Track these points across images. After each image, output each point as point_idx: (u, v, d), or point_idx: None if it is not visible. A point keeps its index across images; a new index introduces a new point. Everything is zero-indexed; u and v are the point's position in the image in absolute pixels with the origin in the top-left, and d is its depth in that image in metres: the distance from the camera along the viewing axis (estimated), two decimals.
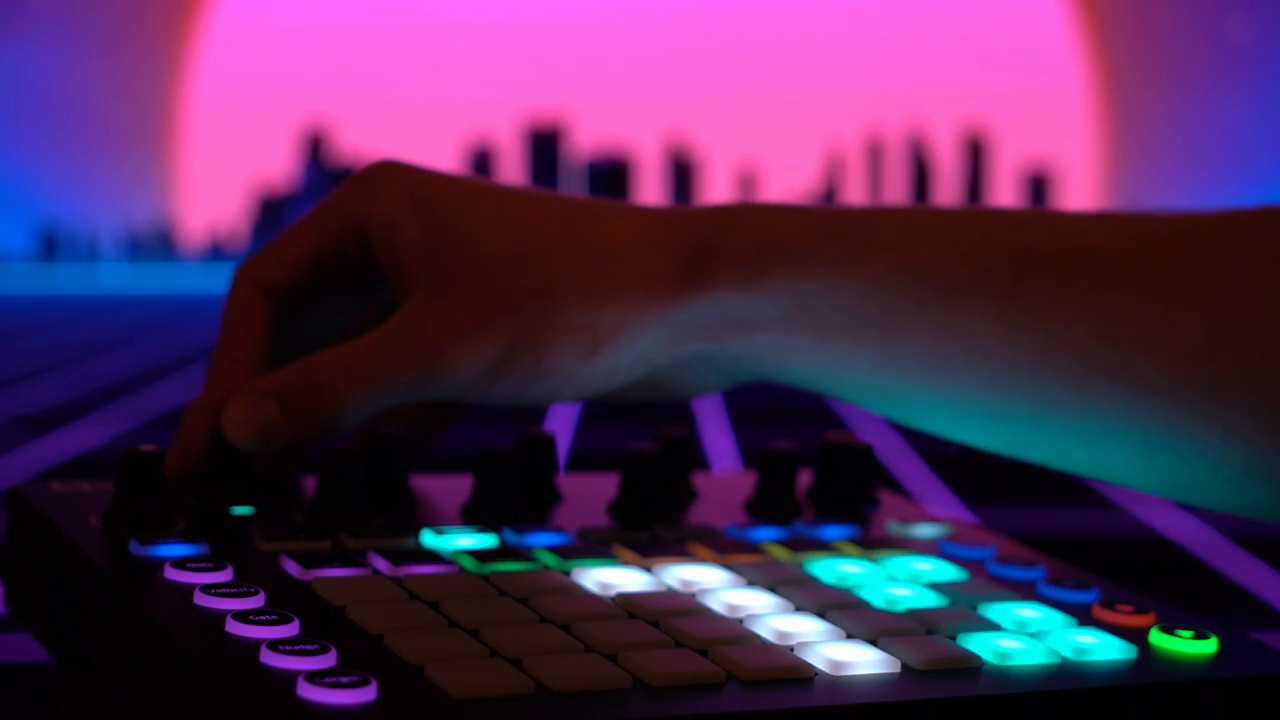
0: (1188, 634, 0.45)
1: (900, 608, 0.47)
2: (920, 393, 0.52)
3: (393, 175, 0.54)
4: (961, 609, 0.47)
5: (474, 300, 0.52)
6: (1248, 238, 0.50)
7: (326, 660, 0.40)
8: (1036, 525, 1.12)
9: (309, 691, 0.38)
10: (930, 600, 0.48)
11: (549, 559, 0.49)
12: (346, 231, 0.55)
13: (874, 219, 0.53)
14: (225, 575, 0.45)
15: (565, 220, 0.53)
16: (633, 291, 0.52)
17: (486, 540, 0.50)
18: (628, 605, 0.45)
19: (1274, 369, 0.49)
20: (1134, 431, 0.51)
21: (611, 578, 0.47)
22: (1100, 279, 0.51)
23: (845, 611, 0.46)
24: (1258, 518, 0.52)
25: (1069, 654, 0.44)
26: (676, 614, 0.45)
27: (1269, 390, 0.49)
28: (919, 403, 0.53)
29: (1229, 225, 0.51)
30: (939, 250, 0.52)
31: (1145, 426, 0.50)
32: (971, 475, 1.34)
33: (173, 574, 0.45)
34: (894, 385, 0.53)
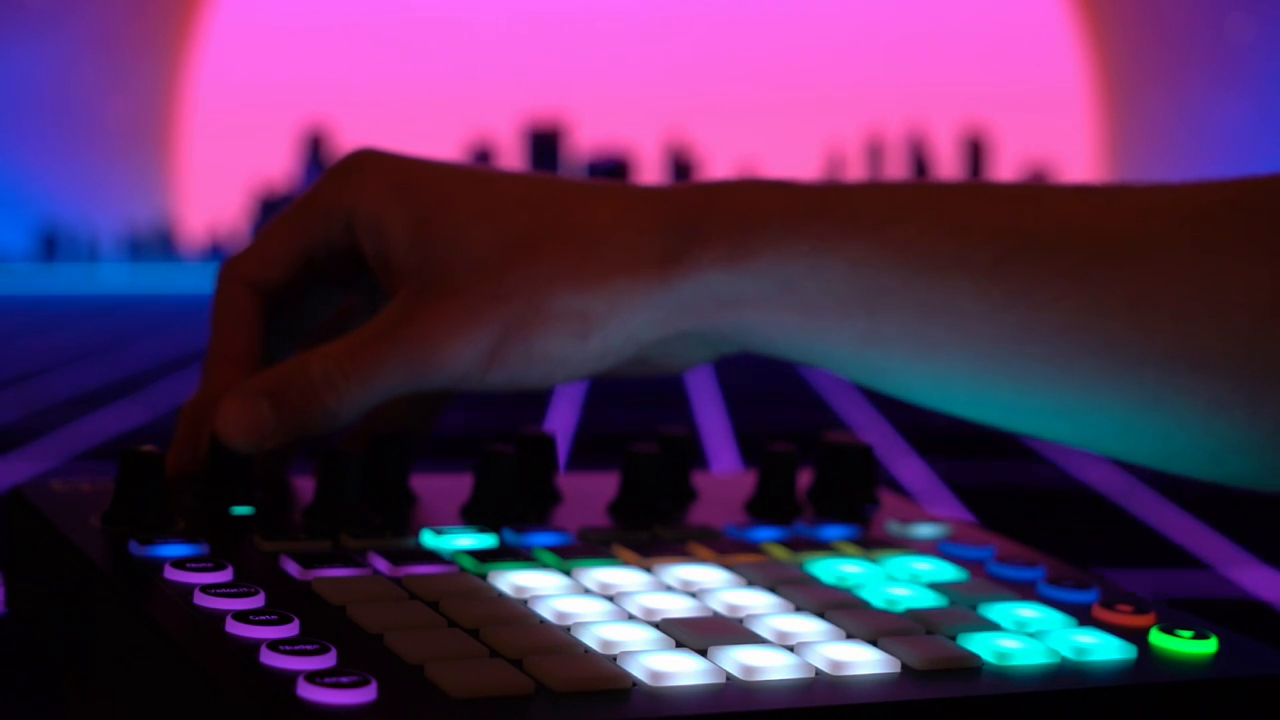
0: (1188, 634, 0.45)
1: (900, 608, 0.47)
2: (906, 367, 0.53)
3: (375, 166, 0.54)
4: (961, 609, 0.47)
5: (464, 293, 0.52)
6: (1228, 215, 0.51)
7: (326, 660, 0.40)
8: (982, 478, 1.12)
9: (309, 691, 0.38)
10: (930, 600, 0.48)
11: (549, 559, 0.49)
12: (332, 225, 0.55)
13: (858, 196, 0.53)
14: (225, 575, 0.45)
15: (551, 206, 0.53)
16: (620, 276, 0.52)
17: (486, 540, 0.50)
18: (626, 606, 0.45)
19: (1254, 343, 0.49)
20: (1117, 405, 0.51)
21: (611, 578, 0.47)
22: (1083, 255, 0.51)
23: (845, 611, 0.45)
24: (1241, 486, 0.53)
25: (1069, 654, 0.44)
26: (676, 614, 0.45)
27: (1250, 363, 0.49)
28: (904, 376, 0.53)
29: (1210, 201, 0.51)
30: (922, 228, 0.52)
31: (1128, 400, 0.51)
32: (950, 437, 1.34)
33: (173, 574, 0.45)
34: (880, 360, 0.53)
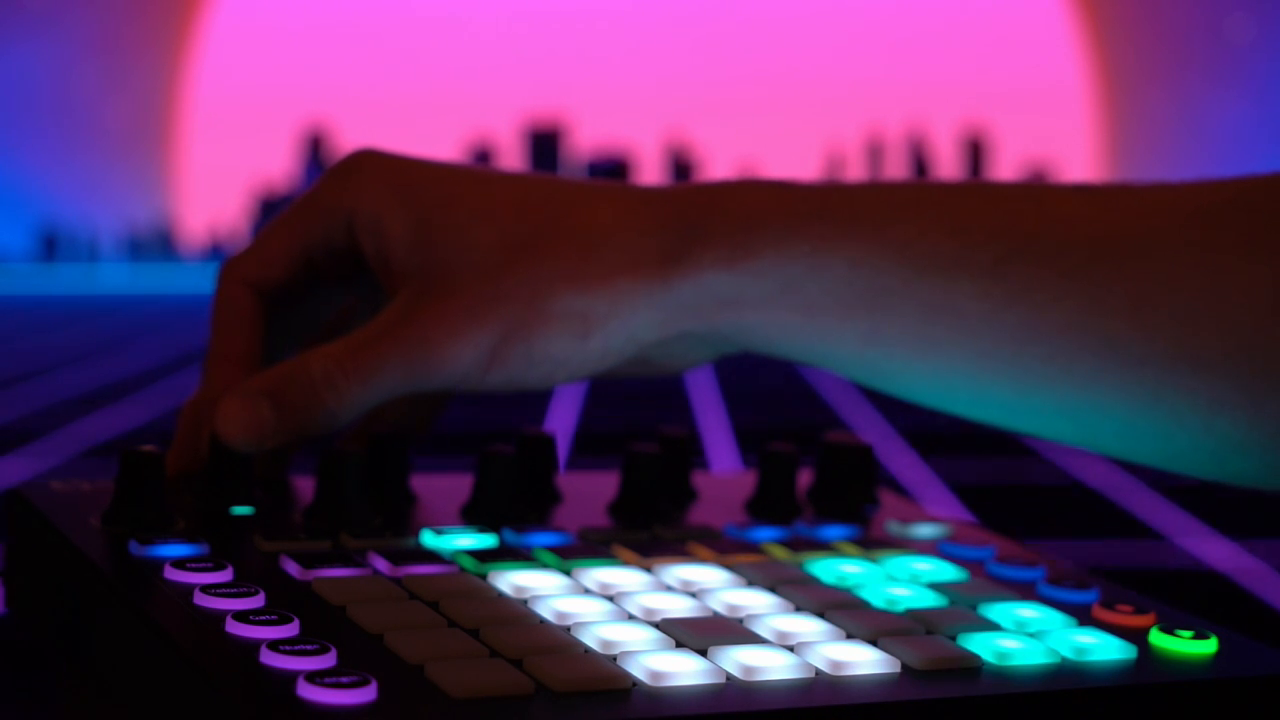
0: (1188, 634, 0.45)
1: (900, 608, 0.47)
2: (907, 367, 0.53)
3: (376, 167, 0.54)
4: (961, 609, 0.47)
5: (465, 293, 0.52)
6: (1228, 214, 0.51)
7: (326, 660, 0.40)
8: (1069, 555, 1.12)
9: (309, 691, 0.38)
10: (930, 600, 0.48)
11: (549, 559, 0.49)
12: (332, 226, 0.55)
13: (859, 196, 0.53)
14: (225, 575, 0.45)
15: (551, 206, 0.53)
16: (621, 276, 0.52)
17: (486, 540, 0.50)
18: (627, 606, 0.45)
19: (1254, 343, 0.49)
20: (1118, 405, 0.51)
21: (611, 578, 0.47)
22: (1084, 255, 0.51)
23: (845, 611, 0.45)
24: (1242, 485, 0.53)
25: (1069, 654, 0.44)
26: (678, 614, 0.45)
27: (1250, 363, 0.49)
28: (906, 376, 0.53)
29: (1210, 201, 0.51)
30: (924, 228, 0.52)
31: (1129, 400, 0.51)
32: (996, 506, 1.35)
33: (173, 574, 0.45)
34: (881, 360, 0.53)
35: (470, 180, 0.54)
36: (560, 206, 0.53)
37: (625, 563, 0.49)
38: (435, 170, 0.54)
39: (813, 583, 0.48)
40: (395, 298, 0.53)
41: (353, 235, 0.55)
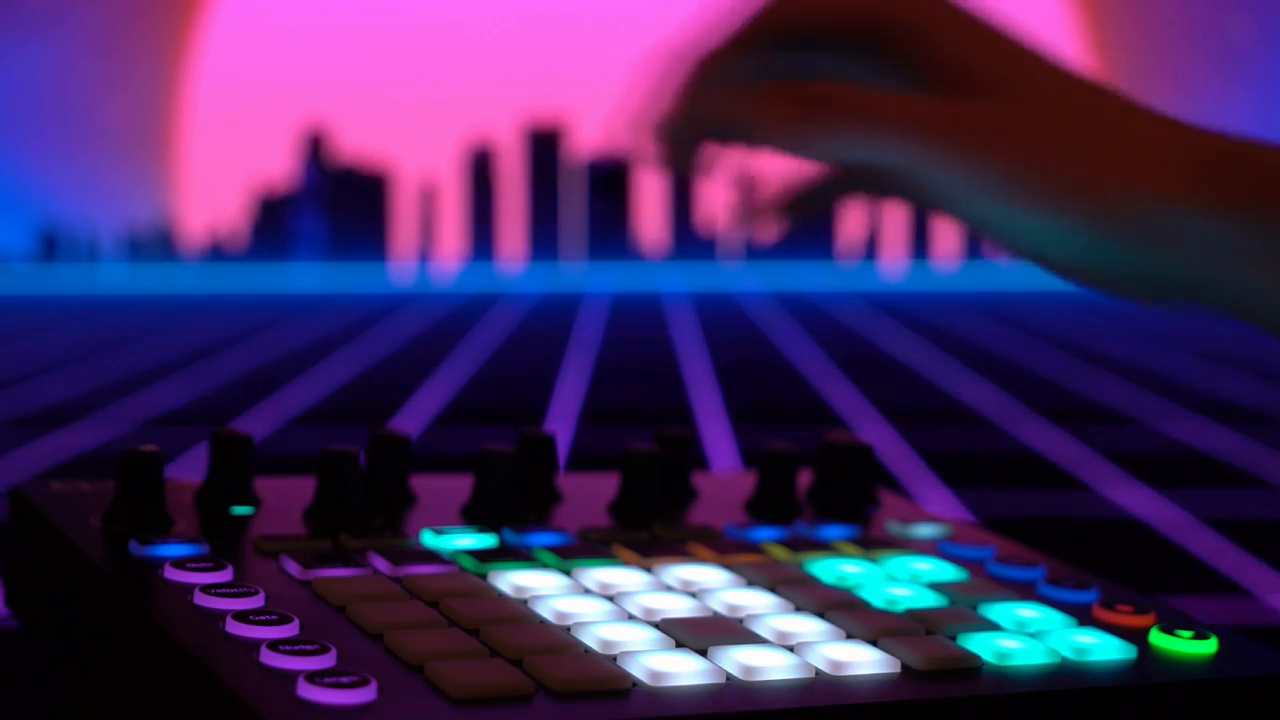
0: (1188, 634, 0.45)
1: (900, 608, 0.47)
2: None
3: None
4: (961, 609, 0.47)
5: (1033, 115, 0.51)
6: None
7: (326, 660, 0.40)
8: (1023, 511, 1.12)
9: (309, 691, 0.38)
10: (930, 600, 0.48)
11: (549, 559, 0.49)
12: (864, 22, 0.54)
13: None
14: (225, 575, 0.45)
15: (1094, 92, 0.53)
16: (1169, 188, 0.51)
17: (486, 540, 0.50)
18: (627, 606, 0.45)
19: None
20: None
21: (611, 578, 0.47)
22: None
23: (845, 611, 0.46)
24: None
25: (1069, 654, 0.44)
26: (675, 615, 0.45)
27: None
28: None
29: None
30: None
31: None
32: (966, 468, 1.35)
33: (173, 574, 0.45)
34: None
35: (1022, 44, 0.54)
36: (1103, 96, 0.53)
37: (625, 563, 0.49)
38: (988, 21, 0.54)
39: (813, 583, 0.48)
40: (975, 95, 0.52)
41: (884, 36, 0.54)
